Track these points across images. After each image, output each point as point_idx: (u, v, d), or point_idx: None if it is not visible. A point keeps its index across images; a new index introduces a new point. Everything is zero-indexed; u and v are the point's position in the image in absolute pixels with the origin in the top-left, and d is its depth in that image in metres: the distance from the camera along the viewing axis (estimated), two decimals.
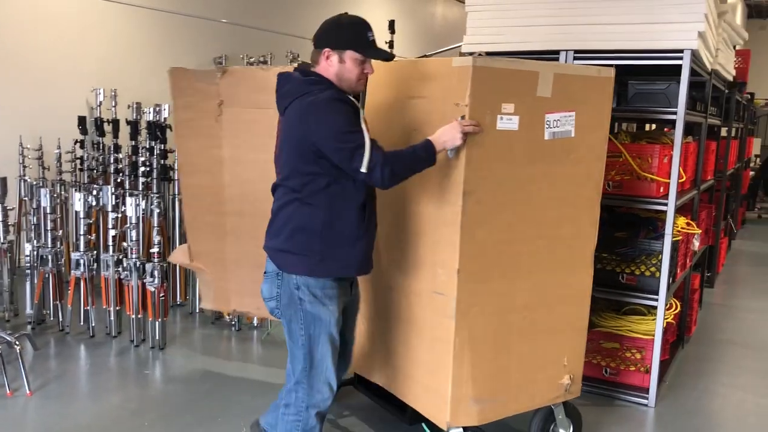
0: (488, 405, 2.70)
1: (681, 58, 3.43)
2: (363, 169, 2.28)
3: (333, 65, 2.41)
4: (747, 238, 9.33)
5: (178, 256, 3.77)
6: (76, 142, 5.88)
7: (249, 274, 3.43)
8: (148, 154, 5.39)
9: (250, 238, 3.41)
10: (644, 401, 3.68)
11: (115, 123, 5.78)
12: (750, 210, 11.46)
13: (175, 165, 5.18)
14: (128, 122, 5.70)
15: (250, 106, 3.35)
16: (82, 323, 4.47)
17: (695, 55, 3.50)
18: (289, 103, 2.41)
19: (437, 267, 2.60)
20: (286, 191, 2.44)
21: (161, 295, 4.17)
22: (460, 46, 3.99)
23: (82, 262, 4.32)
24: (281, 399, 2.68)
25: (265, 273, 2.55)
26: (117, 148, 5.69)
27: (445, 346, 2.59)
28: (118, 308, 4.38)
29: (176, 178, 5.13)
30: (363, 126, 2.34)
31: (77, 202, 4.32)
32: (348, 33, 2.42)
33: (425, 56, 4.34)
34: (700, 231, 4.48)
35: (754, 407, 3.78)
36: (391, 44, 8.31)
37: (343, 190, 2.40)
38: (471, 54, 3.73)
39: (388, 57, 2.49)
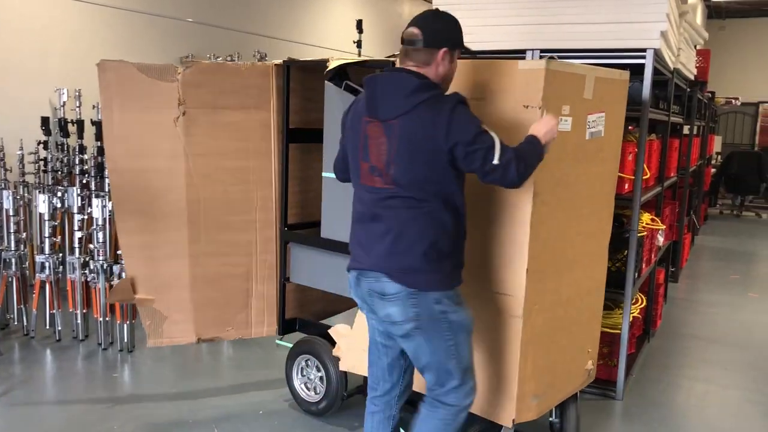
0: (542, 399, 2.76)
1: (644, 57, 3.50)
2: (496, 162, 2.19)
3: (445, 66, 2.30)
4: (709, 233, 9.53)
5: (118, 294, 3.35)
6: (39, 143, 5.77)
7: (210, 294, 3.36)
8: None
9: (211, 257, 3.34)
10: (612, 394, 3.75)
11: (80, 123, 5.69)
12: (712, 206, 11.72)
13: None
14: (93, 123, 5.61)
15: (221, 107, 3.24)
16: (47, 327, 4.39)
17: (658, 55, 3.57)
18: (409, 109, 2.23)
19: (502, 268, 2.59)
20: (407, 203, 2.28)
21: None
22: None
23: (47, 264, 4.25)
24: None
25: (383, 295, 2.33)
26: (82, 149, 5.60)
27: (511, 346, 2.60)
28: (84, 311, 4.32)
29: None
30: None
31: (41, 204, 4.25)
32: (460, 31, 2.34)
33: (394, 56, 4.35)
34: (665, 227, 4.57)
35: (716, 399, 3.87)
36: (359, 43, 8.33)
37: (459, 199, 2.34)
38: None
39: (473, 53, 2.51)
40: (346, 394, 3.31)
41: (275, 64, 3.34)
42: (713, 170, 11.14)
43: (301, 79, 3.43)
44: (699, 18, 14.74)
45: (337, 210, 3.03)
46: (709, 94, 8.16)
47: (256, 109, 3.35)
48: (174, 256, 3.29)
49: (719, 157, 12.29)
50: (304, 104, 3.47)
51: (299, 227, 3.48)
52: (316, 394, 3.37)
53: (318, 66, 3.16)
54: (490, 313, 2.64)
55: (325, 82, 3.06)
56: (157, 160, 3.21)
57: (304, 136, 3.46)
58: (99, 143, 5.54)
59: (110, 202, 4.34)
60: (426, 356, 2.38)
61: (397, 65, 2.38)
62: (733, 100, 12.54)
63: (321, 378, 3.32)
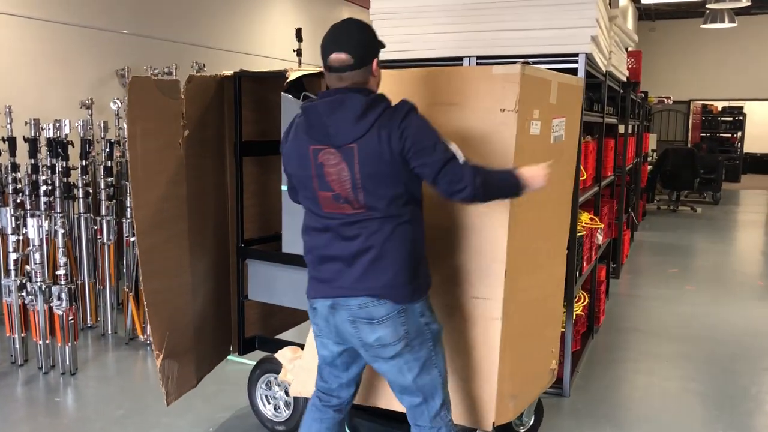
0: (518, 400, 2.77)
1: (577, 62, 3.59)
2: (456, 171, 2.16)
3: (378, 73, 2.27)
4: (648, 229, 9.82)
5: (183, 386, 3.05)
6: None
7: (207, 327, 3.21)
8: (49, 172, 5.17)
9: (208, 285, 3.18)
10: (559, 391, 3.83)
11: (12, 141, 5.51)
12: (650, 202, 12.07)
13: (79, 182, 5.00)
14: (26, 140, 5.44)
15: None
16: None
17: (590, 59, 3.67)
18: (365, 131, 2.16)
19: (481, 271, 2.58)
20: (381, 222, 2.23)
21: (70, 318, 4.01)
22: None
23: None
24: None
25: (371, 320, 2.26)
26: (15, 167, 5.42)
27: (489, 349, 2.59)
28: (23, 335, 4.18)
29: (80, 196, 4.95)
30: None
31: None
32: (375, 33, 2.29)
33: None
34: (603, 225, 4.69)
35: (658, 391, 3.99)
36: (299, 52, 8.30)
37: (420, 202, 2.34)
38: (381, 62, 3.78)
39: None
40: None
41: (225, 76, 3.26)
42: (650, 167, 11.49)
43: (251, 90, 3.35)
44: (630, 19, 15.20)
45: (299, 224, 2.93)
46: (642, 94, 8.41)
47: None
48: (181, 294, 3.05)
49: (655, 154, 12.69)
50: (255, 116, 3.38)
51: (256, 242, 3.40)
52: (279, 412, 3.31)
53: (269, 76, 3.11)
54: (466, 318, 2.63)
55: (282, 93, 2.99)
56: (169, 188, 2.93)
57: (259, 149, 3.36)
58: (32, 161, 5.38)
59: (57, 223, 4.22)
60: (413, 374, 2.34)
61: (328, 87, 2.27)
62: (666, 99, 12.96)
63: (287, 398, 3.26)
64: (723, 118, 17.81)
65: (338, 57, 2.18)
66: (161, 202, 2.84)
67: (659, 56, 17.21)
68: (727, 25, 12.73)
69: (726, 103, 17.84)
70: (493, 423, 2.62)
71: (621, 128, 6.45)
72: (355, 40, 2.21)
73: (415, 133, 2.17)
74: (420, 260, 2.33)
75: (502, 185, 2.30)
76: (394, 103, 2.24)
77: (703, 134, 17.59)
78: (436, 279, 2.61)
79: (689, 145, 16.05)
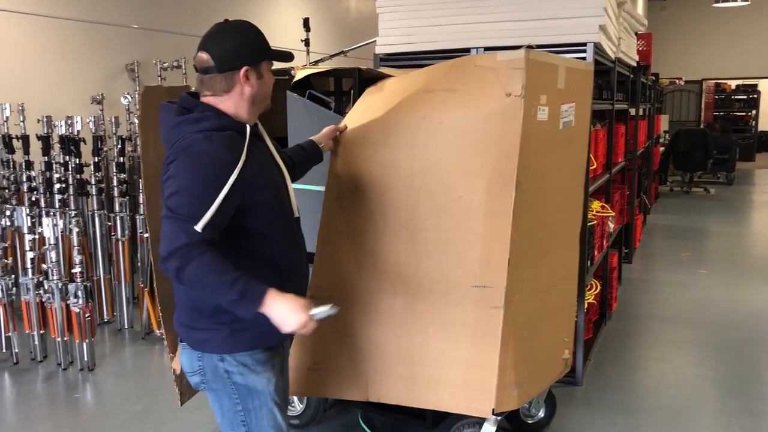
0: (524, 388, 2.74)
1: (585, 52, 3.57)
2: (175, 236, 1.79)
3: (252, 85, 1.99)
4: (661, 212, 9.78)
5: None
6: None
7: None
8: (62, 169, 5.23)
9: None
10: (571, 380, 3.85)
11: (25, 138, 5.57)
12: (662, 184, 12.01)
13: (92, 179, 5.05)
14: (39, 137, 5.50)
15: None
16: (4, 351, 4.31)
17: (598, 47, 3.65)
18: (170, 148, 1.96)
19: (482, 260, 2.56)
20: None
21: (87, 315, 4.07)
22: (374, 41, 4.03)
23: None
24: None
25: (181, 340, 2.11)
26: (29, 165, 5.48)
27: (491, 338, 2.56)
28: (42, 332, 4.25)
29: (93, 193, 5.00)
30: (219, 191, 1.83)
31: None
32: (259, 41, 2.04)
33: (342, 52, 4.35)
34: (614, 213, 4.69)
35: (672, 377, 4.00)
36: (307, 42, 8.29)
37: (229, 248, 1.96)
38: (387, 55, 3.78)
39: (290, 56, 2.12)
40: (328, 405, 3.32)
41: None
42: (662, 149, 11.42)
43: None
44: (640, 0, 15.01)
45: (312, 223, 2.85)
46: (653, 77, 8.34)
47: None
48: None
49: (667, 135, 12.60)
50: (265, 114, 3.37)
51: None
52: (293, 406, 3.33)
53: (275, 76, 3.11)
54: (467, 307, 2.60)
55: (287, 92, 3.00)
56: None
57: None
58: (46, 158, 5.44)
59: (72, 221, 4.28)
60: (219, 417, 2.13)
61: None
62: (677, 80, 12.84)
63: None
64: (737, 97, 17.63)
65: (200, 56, 1.97)
66: None
67: (670, 35, 17.03)
68: (739, 3, 12.56)
69: (740, 82, 17.64)
70: (493, 410, 2.60)
71: (632, 111, 6.41)
72: (221, 40, 1.97)
73: (174, 171, 1.86)
74: (211, 310, 1.98)
75: (216, 278, 1.78)
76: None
77: (717, 113, 17.43)
78: (436, 269, 2.61)
79: (702, 125, 15.92)
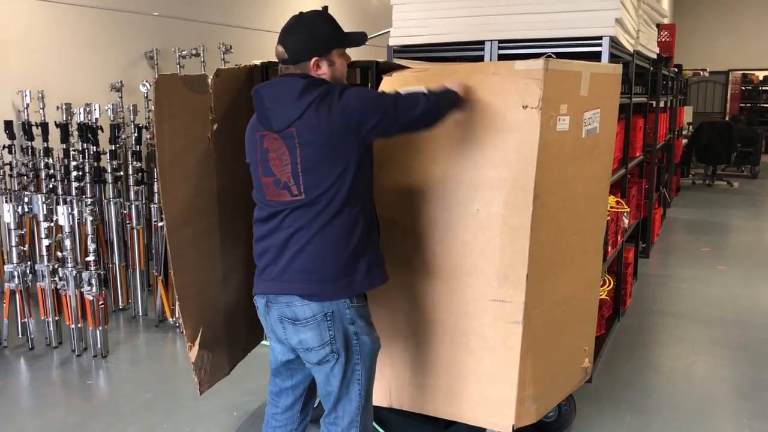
0: (542, 401, 2.72)
1: (600, 45, 3.52)
2: (397, 99, 2.20)
3: (324, 70, 2.24)
4: (681, 205, 9.65)
5: (216, 375, 3.07)
6: (3, 147, 5.71)
7: (238, 316, 3.13)
8: (81, 157, 5.28)
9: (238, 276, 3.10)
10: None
11: (44, 126, 5.63)
12: (685, 177, 11.84)
13: (108, 167, 5.09)
14: (57, 125, 5.55)
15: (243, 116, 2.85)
16: (20, 336, 4.38)
17: (614, 41, 3.59)
18: (301, 112, 2.14)
19: (499, 274, 2.53)
20: (313, 211, 2.18)
21: (100, 303, 4.12)
22: (388, 32, 4.00)
23: (15, 274, 4.23)
24: None
25: (296, 321, 2.24)
26: (47, 152, 5.55)
27: (510, 352, 2.54)
28: (57, 318, 4.31)
29: (110, 181, 5.04)
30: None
31: (6, 213, 4.21)
32: (327, 32, 2.26)
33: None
34: (629, 209, 4.63)
35: (683, 376, 3.96)
36: None
37: (363, 200, 2.27)
38: (401, 47, 3.74)
39: (363, 39, 2.37)
40: None
41: (253, 65, 3.14)
42: (685, 141, 11.25)
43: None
44: None
45: None
46: (675, 69, 8.20)
47: None
48: (212, 286, 2.97)
49: (690, 127, 12.41)
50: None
51: None
52: None
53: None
54: (486, 321, 2.59)
55: None
56: (198, 183, 2.86)
57: None
58: (64, 145, 5.50)
59: (87, 208, 4.33)
60: (337, 382, 2.30)
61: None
62: (701, 72, 12.62)
63: None
64: (764, 88, 17.30)
65: (278, 49, 2.26)
66: (191, 197, 2.81)
67: (696, 24, 16.75)
68: None
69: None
70: (513, 425, 2.60)
71: (656, 103, 6.32)
72: (292, 35, 2.25)
73: (357, 101, 2.15)
74: (359, 257, 2.23)
75: (448, 96, 2.36)
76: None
77: (743, 105, 17.13)
78: (454, 282, 2.60)
79: (727, 117, 15.65)
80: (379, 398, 2.86)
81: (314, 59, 2.21)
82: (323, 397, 2.38)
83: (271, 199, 2.25)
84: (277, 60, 2.31)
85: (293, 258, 2.20)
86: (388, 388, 2.86)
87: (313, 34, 2.23)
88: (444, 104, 2.33)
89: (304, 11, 2.30)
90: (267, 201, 2.27)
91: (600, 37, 3.51)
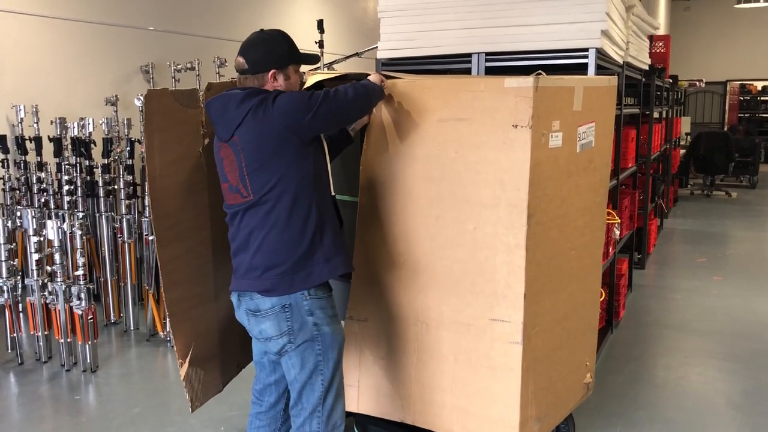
0: (545, 420, 2.69)
1: (587, 57, 3.52)
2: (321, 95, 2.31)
3: (279, 84, 2.42)
4: (679, 216, 9.63)
5: (208, 393, 3.05)
6: None
7: (230, 332, 3.08)
8: (73, 171, 5.28)
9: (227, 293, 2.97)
10: None
11: (38, 140, 5.64)
12: (683, 187, 11.82)
13: (100, 181, 5.09)
14: (50, 139, 5.56)
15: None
16: (9, 351, 4.37)
17: (601, 53, 3.59)
18: (241, 119, 2.30)
19: (498, 293, 2.52)
20: (263, 209, 2.34)
21: (89, 317, 4.11)
22: (376, 47, 4.00)
23: (5, 288, 4.22)
24: None
25: (257, 312, 2.39)
26: (41, 166, 5.55)
27: (511, 372, 2.53)
28: (46, 333, 4.30)
29: (101, 194, 5.04)
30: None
31: None
32: (287, 47, 2.45)
33: (357, 54, 4.30)
34: (619, 221, 4.61)
35: (675, 388, 3.93)
36: (320, 44, 8.29)
37: (312, 189, 2.39)
38: (389, 59, 3.74)
39: (316, 59, 2.58)
40: None
41: None
42: (683, 151, 11.24)
43: None
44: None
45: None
46: (670, 80, 8.21)
47: None
48: (204, 301, 2.95)
49: (688, 137, 12.40)
50: None
51: None
52: None
53: None
54: (485, 341, 2.57)
55: None
56: (189, 198, 2.83)
57: None
58: (57, 160, 5.51)
59: (77, 222, 4.32)
60: (296, 371, 2.43)
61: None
62: (697, 83, 12.63)
63: None
64: (763, 98, 17.31)
65: (238, 60, 2.43)
66: (181, 212, 2.79)
67: (695, 36, 16.78)
68: (763, 4, 12.32)
69: (766, 83, 17.31)
70: None
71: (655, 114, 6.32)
72: (253, 47, 2.42)
73: (289, 102, 2.28)
74: (314, 250, 2.37)
75: (372, 86, 2.51)
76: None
77: (742, 115, 17.13)
78: (456, 299, 2.60)
79: (726, 128, 15.65)
80: (389, 411, 2.88)
81: (272, 71, 2.39)
82: (290, 387, 2.50)
83: (230, 203, 2.45)
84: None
85: (254, 255, 2.37)
86: (399, 402, 2.86)
87: (273, 48, 2.42)
88: (369, 92, 2.48)
89: (265, 29, 2.50)
90: (228, 205, 2.46)
91: (586, 50, 3.51)
